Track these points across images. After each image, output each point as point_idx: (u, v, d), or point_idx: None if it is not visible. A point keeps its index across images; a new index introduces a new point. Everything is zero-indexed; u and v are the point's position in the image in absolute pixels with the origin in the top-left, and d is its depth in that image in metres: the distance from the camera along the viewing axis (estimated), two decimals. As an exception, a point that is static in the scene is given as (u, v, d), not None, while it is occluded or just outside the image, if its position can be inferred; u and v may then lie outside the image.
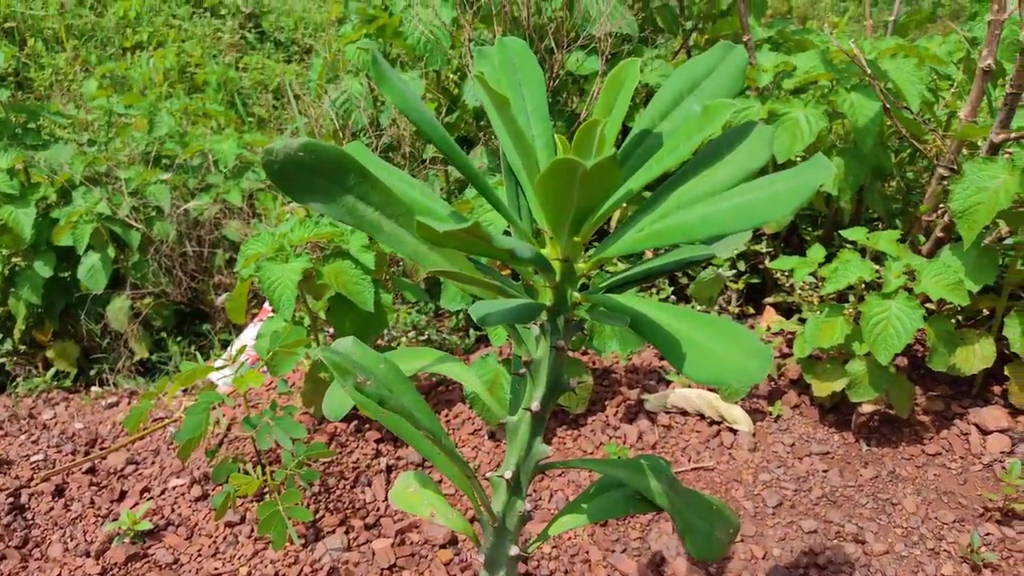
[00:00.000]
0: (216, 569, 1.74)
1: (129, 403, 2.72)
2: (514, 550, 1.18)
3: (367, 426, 2.17)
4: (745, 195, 0.95)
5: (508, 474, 1.14)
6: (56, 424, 2.56)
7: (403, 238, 1.11)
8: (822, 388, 2.11)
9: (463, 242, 0.87)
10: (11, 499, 1.99)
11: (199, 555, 1.79)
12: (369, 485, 1.98)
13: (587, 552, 1.80)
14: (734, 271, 2.42)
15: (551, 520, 1.23)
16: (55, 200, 3.40)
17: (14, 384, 3.18)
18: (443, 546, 1.81)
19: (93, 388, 3.14)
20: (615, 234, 1.08)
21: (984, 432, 2.12)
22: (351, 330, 2.08)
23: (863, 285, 2.13)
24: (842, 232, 2.20)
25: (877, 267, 2.10)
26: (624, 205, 2.62)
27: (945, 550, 1.80)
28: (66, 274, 3.36)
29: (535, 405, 1.11)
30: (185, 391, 2.75)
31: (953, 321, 2.24)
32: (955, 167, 2.31)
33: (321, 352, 0.95)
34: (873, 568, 1.75)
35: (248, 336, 2.99)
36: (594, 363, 2.50)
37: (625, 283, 1.15)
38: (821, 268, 2.16)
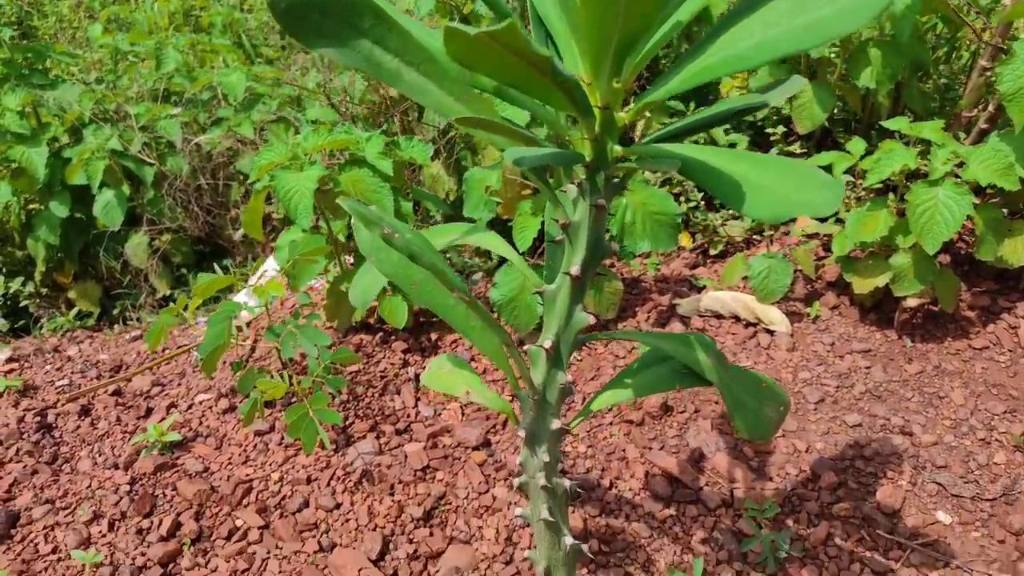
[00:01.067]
0: (247, 475, 1.72)
1: (152, 334, 2.69)
2: (556, 424, 1.12)
3: (393, 337, 2.12)
4: (808, 13, 0.86)
5: (548, 343, 1.08)
6: (81, 357, 2.54)
7: (426, 88, 1.03)
8: (864, 285, 2.03)
9: (495, 57, 0.79)
10: (38, 418, 1.97)
11: (229, 463, 1.77)
12: (398, 393, 1.94)
13: (624, 450, 1.75)
14: (767, 172, 2.31)
15: (594, 396, 1.18)
16: (66, 141, 3.35)
17: (38, 326, 3.18)
18: (476, 448, 1.78)
19: (116, 326, 3.13)
20: (661, 78, 1.00)
21: (1034, 325, 2.04)
22: (372, 238, 2.02)
23: (905, 178, 2.03)
24: (883, 123, 2.08)
25: (921, 158, 1.99)
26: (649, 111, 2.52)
27: (996, 440, 1.73)
28: (82, 214, 3.33)
29: (575, 269, 1.04)
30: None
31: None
32: (1004, 48, 2.17)
33: (344, 202, 0.88)
34: (922, 458, 1.69)
35: (268, 266, 2.94)
36: (622, 273, 2.43)
37: (668, 139, 1.07)
38: (862, 161, 2.06)
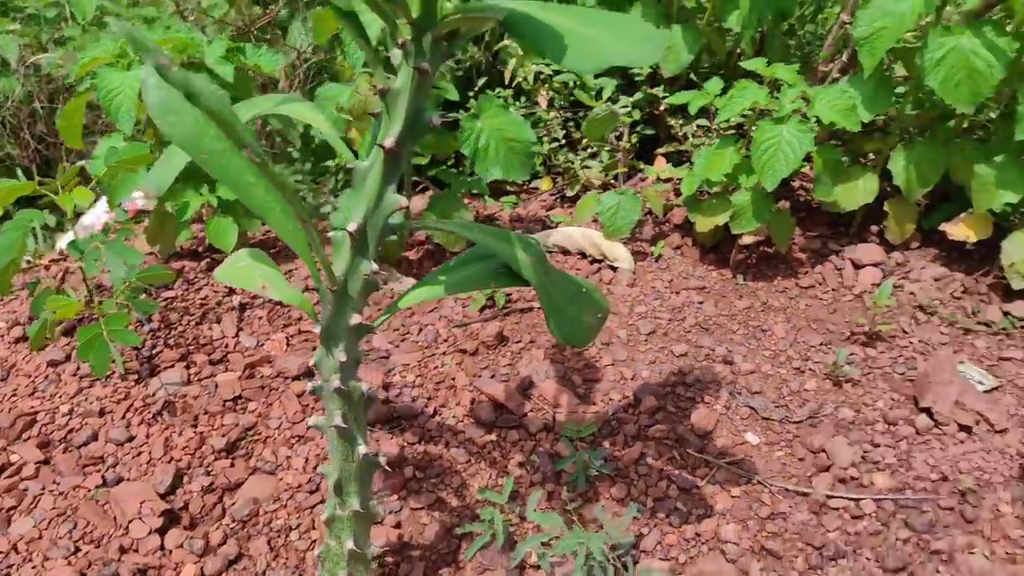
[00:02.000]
0: (32, 408, 1.56)
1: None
2: (356, 319, 1.03)
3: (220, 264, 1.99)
4: None
5: (353, 227, 0.98)
6: None
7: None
8: (705, 223, 2.05)
9: None
10: None
11: (13, 395, 1.60)
12: (218, 322, 1.82)
13: (454, 379, 1.71)
14: (626, 108, 2.29)
15: (404, 292, 1.10)
16: None
17: None
18: (297, 377, 1.69)
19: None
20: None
21: (857, 266, 2.12)
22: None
23: (756, 118, 2.06)
24: (742, 63, 2.10)
25: (773, 99, 2.01)
26: None
27: (810, 369, 1.79)
28: None
29: (389, 142, 0.94)
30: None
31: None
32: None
33: (116, 25, 0.76)
34: (739, 385, 1.74)
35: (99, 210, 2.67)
36: (477, 212, 2.38)
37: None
38: (717, 100, 2.07)
